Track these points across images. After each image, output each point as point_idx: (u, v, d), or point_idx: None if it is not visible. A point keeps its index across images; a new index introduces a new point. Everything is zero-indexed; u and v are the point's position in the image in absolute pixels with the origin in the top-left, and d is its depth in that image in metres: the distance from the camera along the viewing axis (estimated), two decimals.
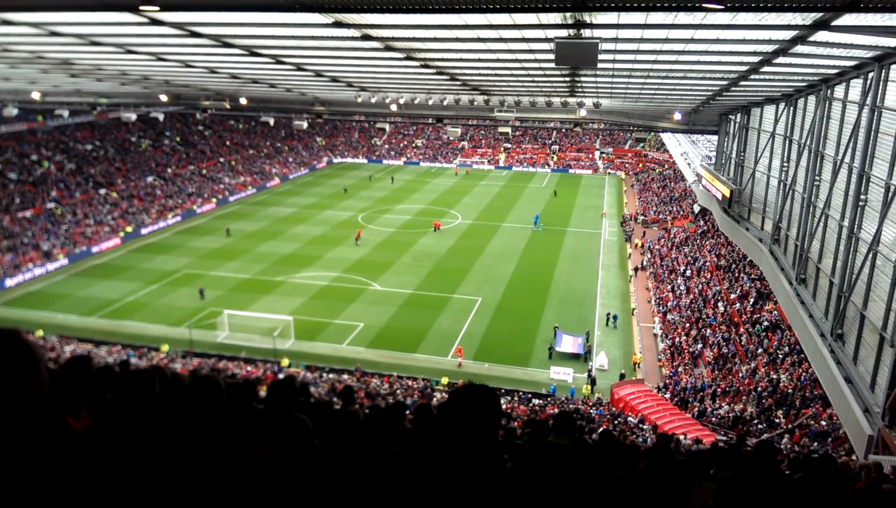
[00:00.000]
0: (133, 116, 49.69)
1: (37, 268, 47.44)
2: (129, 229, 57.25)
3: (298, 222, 61.61)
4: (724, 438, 22.88)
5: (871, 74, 18.25)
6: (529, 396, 29.91)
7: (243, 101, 42.82)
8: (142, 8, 10.85)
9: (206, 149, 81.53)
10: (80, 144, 66.98)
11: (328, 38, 17.52)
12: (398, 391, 28.60)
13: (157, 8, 11.15)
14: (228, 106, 43.91)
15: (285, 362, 33.11)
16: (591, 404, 28.95)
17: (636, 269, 49.28)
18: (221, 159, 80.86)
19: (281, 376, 29.99)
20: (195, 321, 37.87)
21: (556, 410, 26.26)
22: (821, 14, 12.27)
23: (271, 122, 53.03)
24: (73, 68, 27.65)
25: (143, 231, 58.22)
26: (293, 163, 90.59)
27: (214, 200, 69.90)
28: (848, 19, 12.61)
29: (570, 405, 27.93)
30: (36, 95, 40.60)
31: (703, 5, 9.29)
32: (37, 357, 2.17)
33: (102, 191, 61.90)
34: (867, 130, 18.59)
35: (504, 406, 26.36)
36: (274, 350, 34.09)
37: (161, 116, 54.61)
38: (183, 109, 57.24)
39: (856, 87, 20.13)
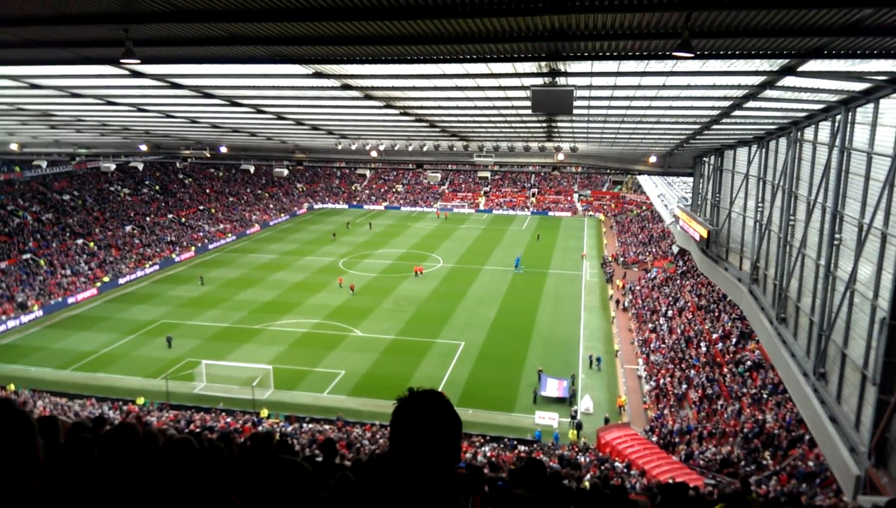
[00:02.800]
0: (112, 166, 49.52)
1: (10, 320, 46.34)
2: (106, 278, 56.39)
3: (278, 269, 61.20)
4: (713, 482, 22.64)
5: (838, 117, 18.78)
6: (515, 442, 29.47)
7: (224, 149, 42.93)
8: (122, 61, 10.89)
9: (186, 197, 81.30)
10: (57, 194, 66.45)
11: (308, 88, 17.73)
12: (381, 440, 28.02)
13: (138, 61, 11.20)
14: (209, 154, 44.00)
15: (265, 412, 32.38)
16: (577, 449, 28.57)
17: (617, 302, 49.92)
18: (201, 207, 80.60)
19: (260, 427, 29.31)
20: (172, 372, 37.07)
21: (542, 456, 25.86)
22: (787, 60, 12.69)
23: (252, 169, 53.18)
24: (52, 119, 27.63)
25: (121, 281, 57.35)
26: (273, 209, 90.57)
27: (193, 248, 69.33)
28: (813, 65, 13.05)
29: (556, 451, 27.53)
30: (14, 147, 40.36)
31: (674, 53, 9.55)
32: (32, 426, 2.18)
33: (80, 241, 61.19)
34: (838, 171, 19.02)
35: (489, 454, 25.92)
36: (253, 401, 33.38)
37: (140, 166, 54.46)
38: (163, 158, 57.22)
39: (824, 129, 20.68)
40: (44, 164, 49.80)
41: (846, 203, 18.85)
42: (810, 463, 22.09)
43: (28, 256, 55.35)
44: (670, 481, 20.59)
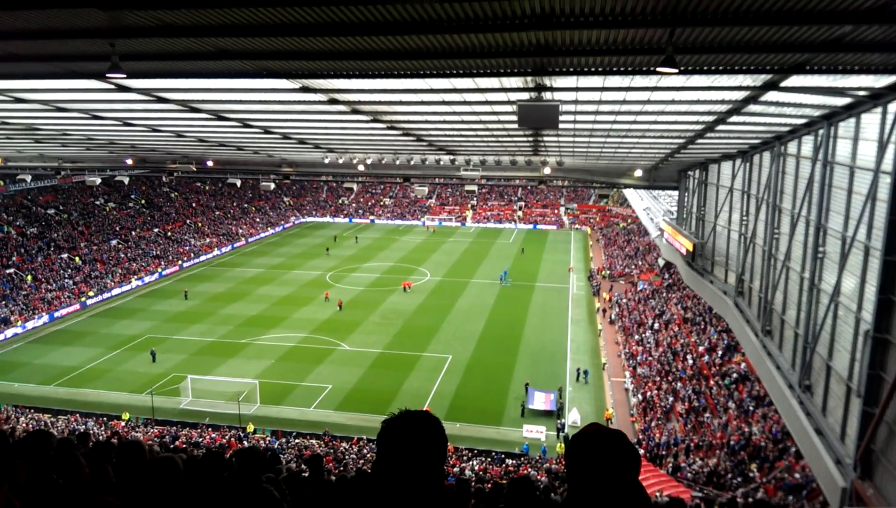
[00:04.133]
0: (97, 180, 49.12)
1: None
2: (90, 293, 55.82)
3: (265, 283, 60.89)
4: (700, 494, 22.64)
5: (821, 132, 19.01)
6: (503, 456, 29.35)
7: (210, 163, 42.75)
8: (109, 75, 10.85)
9: (172, 211, 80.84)
10: (42, 209, 65.86)
11: (295, 102, 17.73)
12: (368, 455, 27.79)
13: (125, 75, 11.16)
14: (195, 168, 43.77)
15: (251, 427, 32.09)
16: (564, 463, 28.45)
17: (604, 311, 50.37)
18: (188, 221, 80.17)
19: (246, 442, 29.01)
20: (157, 387, 36.66)
21: (529, 470, 25.78)
22: (770, 75, 12.86)
23: (238, 183, 53.09)
24: (37, 134, 27.41)
25: (106, 295, 56.79)
26: (260, 223, 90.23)
27: (179, 262, 68.84)
28: (796, 80, 13.23)
29: (544, 465, 27.44)
30: None
31: (658, 69, 9.65)
32: None
33: (65, 255, 60.57)
34: (821, 185, 19.23)
35: (477, 468, 25.79)
36: (239, 416, 33.06)
37: (126, 180, 54.11)
38: (149, 172, 56.90)
39: (807, 143, 20.92)
40: (28, 178, 49.42)
41: (829, 217, 19.03)
42: (797, 475, 22.16)
43: (12, 270, 54.69)
44: (657, 494, 20.62)
